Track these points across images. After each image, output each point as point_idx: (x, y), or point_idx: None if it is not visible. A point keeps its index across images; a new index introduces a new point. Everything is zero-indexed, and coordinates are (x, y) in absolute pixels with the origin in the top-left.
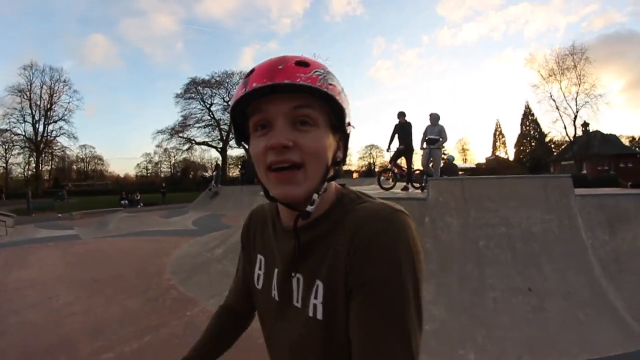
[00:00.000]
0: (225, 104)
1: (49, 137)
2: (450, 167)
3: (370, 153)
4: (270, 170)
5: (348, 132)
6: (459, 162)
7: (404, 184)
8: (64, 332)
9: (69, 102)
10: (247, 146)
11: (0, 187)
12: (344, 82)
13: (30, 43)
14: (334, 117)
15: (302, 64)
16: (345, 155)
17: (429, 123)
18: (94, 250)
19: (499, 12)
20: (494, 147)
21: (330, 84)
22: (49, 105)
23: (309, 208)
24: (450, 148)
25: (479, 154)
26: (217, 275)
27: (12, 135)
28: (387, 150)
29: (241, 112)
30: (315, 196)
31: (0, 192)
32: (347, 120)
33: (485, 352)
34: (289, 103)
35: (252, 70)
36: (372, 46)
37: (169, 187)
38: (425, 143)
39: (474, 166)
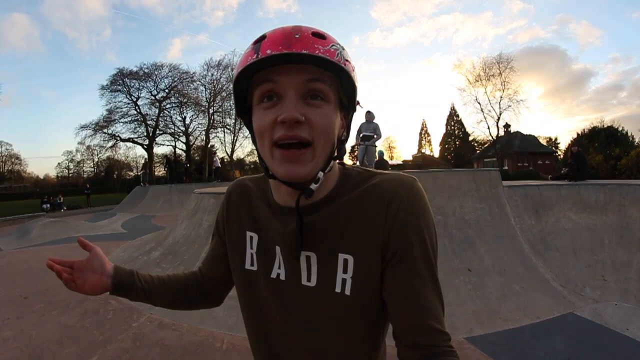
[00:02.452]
0: (153, 98)
1: None
2: (381, 163)
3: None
4: (277, 146)
5: (355, 111)
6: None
7: None
8: None
9: None
10: (243, 119)
11: None
12: None
13: None
14: (344, 94)
15: (319, 35)
16: (348, 134)
17: (364, 120)
18: (18, 262)
19: (430, 20)
20: (420, 145)
21: (347, 60)
22: None
23: (313, 186)
24: (378, 145)
25: (405, 152)
26: None
27: None
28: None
29: (245, 81)
30: (320, 174)
31: None
32: (357, 99)
33: None
34: (302, 75)
35: (262, 37)
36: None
37: (93, 187)
38: (360, 139)
39: (401, 162)
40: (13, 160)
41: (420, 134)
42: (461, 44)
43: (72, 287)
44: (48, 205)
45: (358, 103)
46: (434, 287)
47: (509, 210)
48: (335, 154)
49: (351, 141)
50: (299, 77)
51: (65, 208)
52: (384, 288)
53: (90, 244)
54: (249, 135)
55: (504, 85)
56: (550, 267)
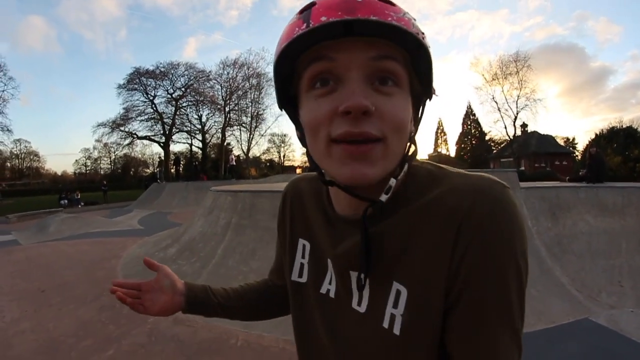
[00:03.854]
0: (169, 96)
1: None
2: None
3: None
4: (336, 142)
5: (430, 99)
6: None
7: None
8: (14, 355)
9: (3, 91)
10: (290, 112)
11: None
12: None
13: None
14: (416, 78)
15: (387, 0)
16: (417, 128)
17: None
18: (36, 257)
19: (446, 17)
20: (436, 144)
21: (422, 32)
22: None
23: (383, 197)
24: None
25: (421, 151)
26: None
27: None
28: None
29: (290, 61)
30: (392, 181)
31: None
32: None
33: None
34: (369, 51)
35: (311, 3)
36: None
37: (109, 184)
38: None
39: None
40: (32, 157)
41: (437, 132)
42: (477, 41)
43: (140, 310)
44: (66, 201)
45: (434, 90)
46: (510, 347)
47: (525, 212)
48: (408, 154)
49: None
50: (365, 53)
51: (82, 204)
52: (445, 337)
53: (156, 263)
54: (266, 134)
55: (521, 84)
56: (566, 271)
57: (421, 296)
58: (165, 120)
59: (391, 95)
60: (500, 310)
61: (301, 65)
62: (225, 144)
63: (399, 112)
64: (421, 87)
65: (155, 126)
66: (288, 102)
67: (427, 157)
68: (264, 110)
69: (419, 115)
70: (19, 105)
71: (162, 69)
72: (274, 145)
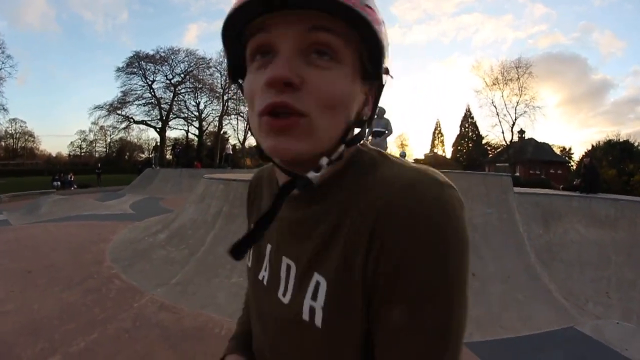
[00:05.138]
0: (168, 81)
1: None
2: None
3: None
4: (261, 115)
5: (384, 82)
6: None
7: None
8: None
9: (0, 69)
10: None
11: None
12: None
13: None
14: (368, 58)
15: None
16: (373, 113)
17: (375, 116)
18: (26, 237)
19: (451, 19)
20: (433, 145)
21: (369, 6)
22: None
23: (311, 175)
24: (389, 142)
25: (417, 151)
26: (162, 262)
27: None
28: None
29: (237, 34)
30: (323, 160)
31: None
32: (385, 65)
33: None
34: (303, 22)
35: None
36: None
37: (104, 167)
38: (371, 135)
39: (413, 161)
40: (26, 137)
41: (434, 133)
42: (480, 45)
43: None
44: (59, 183)
45: (387, 72)
46: (441, 351)
47: (517, 217)
48: (352, 135)
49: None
50: (300, 24)
51: (75, 186)
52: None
53: None
54: None
55: (521, 90)
56: (554, 279)
57: (339, 288)
58: (162, 105)
59: (327, 70)
60: (426, 334)
61: (245, 38)
62: (221, 132)
63: (329, 87)
64: (372, 69)
65: (152, 111)
66: (242, 76)
67: (423, 157)
68: None
69: (375, 101)
70: (16, 84)
71: (162, 54)
72: None
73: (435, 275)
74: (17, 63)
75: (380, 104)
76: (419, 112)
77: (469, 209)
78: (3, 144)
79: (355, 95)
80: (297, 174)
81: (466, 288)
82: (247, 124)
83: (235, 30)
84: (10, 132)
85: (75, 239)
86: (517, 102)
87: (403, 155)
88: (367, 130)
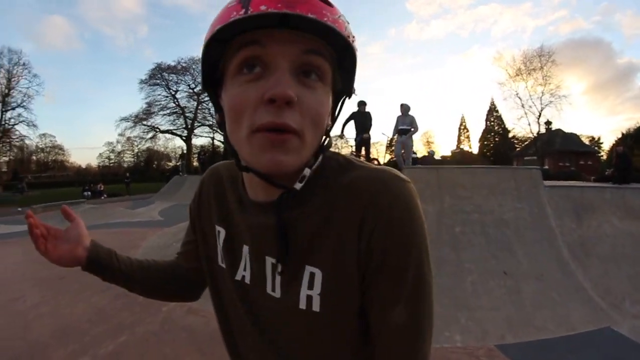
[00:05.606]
0: (191, 90)
1: (6, 125)
2: (430, 161)
3: (336, 144)
4: (258, 131)
5: (349, 97)
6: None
7: None
8: (32, 338)
9: (28, 88)
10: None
11: None
12: None
13: None
14: (340, 76)
15: (326, 1)
16: (333, 123)
17: (400, 114)
18: None
19: (467, 11)
20: (459, 141)
21: (353, 36)
22: (6, 91)
23: (298, 186)
24: (415, 140)
25: (443, 147)
26: None
27: None
28: (341, 137)
29: (222, 44)
30: (306, 171)
31: None
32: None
33: (469, 332)
34: (299, 44)
35: None
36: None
37: (133, 177)
38: (397, 134)
39: (440, 159)
40: (57, 150)
41: (459, 129)
42: (500, 35)
43: (41, 248)
44: (89, 193)
45: (353, 90)
46: (420, 315)
47: (549, 211)
48: (323, 146)
49: (374, 135)
50: (295, 46)
51: (105, 196)
52: (367, 308)
53: (74, 214)
54: None
55: (546, 79)
56: (589, 276)
57: (336, 276)
58: (187, 114)
59: (314, 89)
60: (405, 296)
61: (231, 49)
62: None
63: (318, 106)
64: (342, 85)
65: (177, 120)
66: (211, 85)
67: (450, 154)
68: None
69: (337, 111)
70: (44, 101)
71: (184, 64)
72: None
73: (412, 245)
74: (43, 81)
75: (405, 100)
76: (442, 108)
77: (499, 205)
78: (34, 158)
79: (329, 109)
80: (282, 185)
81: (428, 248)
82: (224, 135)
83: (225, 37)
84: (40, 146)
85: (106, 246)
86: (542, 92)
87: (432, 154)
88: (329, 138)
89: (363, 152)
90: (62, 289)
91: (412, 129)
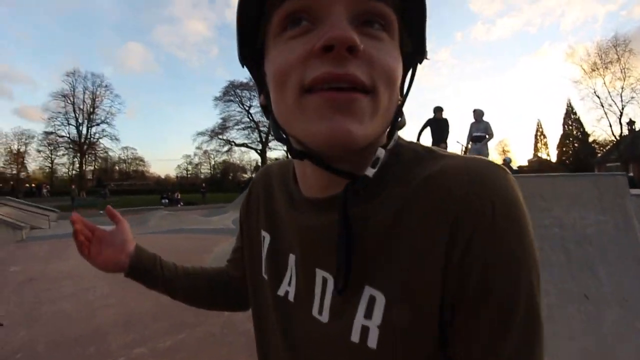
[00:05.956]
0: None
1: (92, 139)
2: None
3: None
4: (311, 92)
5: (421, 62)
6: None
7: None
8: (96, 324)
9: (110, 106)
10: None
11: (45, 184)
12: None
13: (71, 51)
14: (407, 33)
15: None
16: (405, 98)
17: (473, 120)
18: None
19: (532, 5)
20: (536, 149)
21: None
22: (91, 109)
23: (370, 172)
24: (490, 149)
25: (520, 156)
26: None
27: (57, 138)
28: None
29: (257, 3)
30: (380, 152)
31: (40, 189)
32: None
33: None
34: None
35: None
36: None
37: (209, 187)
38: (471, 141)
39: (516, 168)
40: (137, 161)
41: (536, 136)
42: (570, 28)
43: (85, 253)
44: (167, 200)
45: (426, 51)
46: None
47: (636, 224)
48: (396, 122)
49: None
50: None
51: (182, 204)
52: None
53: (119, 215)
54: None
55: (624, 72)
56: None
57: (406, 303)
58: (261, 128)
59: (381, 41)
60: (517, 324)
61: (272, 5)
62: None
63: (390, 60)
64: (411, 45)
65: (252, 134)
66: (252, 58)
67: (527, 163)
68: None
69: (409, 81)
70: (126, 118)
71: None
72: None
73: (523, 264)
74: (124, 100)
75: (477, 106)
76: (517, 114)
77: (580, 217)
78: (117, 168)
79: (401, 69)
80: (347, 172)
81: (539, 269)
82: (270, 121)
83: None
84: (122, 157)
85: (179, 249)
86: (622, 88)
87: (508, 161)
88: (402, 116)
89: None
90: (131, 284)
91: (487, 136)
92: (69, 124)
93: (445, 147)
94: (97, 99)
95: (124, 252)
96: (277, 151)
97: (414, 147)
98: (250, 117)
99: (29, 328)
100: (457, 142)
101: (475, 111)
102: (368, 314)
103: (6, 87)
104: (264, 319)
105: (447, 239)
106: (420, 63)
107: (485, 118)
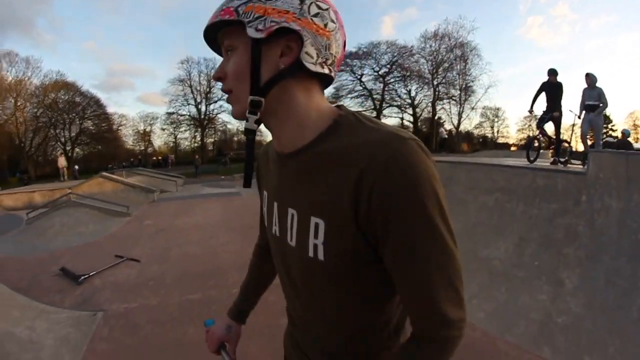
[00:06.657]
0: (375, 74)
1: (210, 115)
2: (624, 144)
3: (530, 125)
4: None
5: (258, 36)
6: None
7: (552, 156)
8: (217, 263)
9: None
10: None
11: (170, 156)
12: (490, 43)
13: (177, 43)
14: (254, 30)
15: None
16: (298, 55)
17: (586, 85)
18: (251, 205)
19: None
20: None
21: (247, 3)
22: (208, 89)
23: (247, 124)
24: (618, 124)
25: None
26: None
27: (179, 116)
28: (530, 112)
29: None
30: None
31: (166, 161)
32: (265, 25)
33: None
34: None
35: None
36: (518, 0)
37: None
38: (584, 111)
39: None
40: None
41: None
42: None
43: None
44: None
45: (274, 27)
46: (435, 270)
47: None
48: (264, 80)
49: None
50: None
51: None
52: (384, 263)
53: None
54: (476, 107)
55: None
56: None
57: (334, 227)
58: (374, 96)
59: (230, 58)
60: (418, 255)
61: None
62: (435, 117)
63: (232, 67)
64: (260, 34)
65: (365, 102)
66: None
67: None
68: (472, 82)
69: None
70: None
71: (365, 50)
72: (486, 120)
73: (417, 197)
74: None
75: (590, 71)
76: None
77: None
78: (235, 139)
79: (246, 61)
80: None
81: (444, 210)
82: (460, 108)
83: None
84: (240, 130)
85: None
86: None
87: (627, 134)
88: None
89: (551, 132)
90: (249, 235)
91: (602, 104)
92: (188, 104)
93: (560, 115)
94: (211, 80)
95: (237, 335)
96: (391, 118)
97: (351, 117)
98: (363, 86)
99: (160, 264)
100: (569, 111)
101: (588, 75)
102: (316, 235)
103: (129, 81)
104: (274, 256)
105: (354, 185)
106: (263, 37)
107: (599, 84)
